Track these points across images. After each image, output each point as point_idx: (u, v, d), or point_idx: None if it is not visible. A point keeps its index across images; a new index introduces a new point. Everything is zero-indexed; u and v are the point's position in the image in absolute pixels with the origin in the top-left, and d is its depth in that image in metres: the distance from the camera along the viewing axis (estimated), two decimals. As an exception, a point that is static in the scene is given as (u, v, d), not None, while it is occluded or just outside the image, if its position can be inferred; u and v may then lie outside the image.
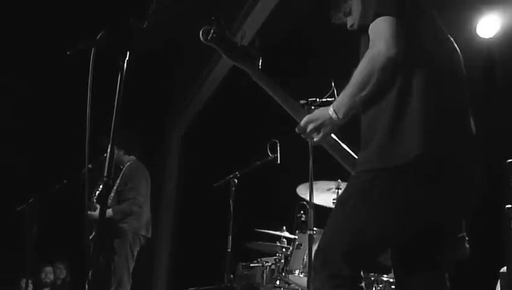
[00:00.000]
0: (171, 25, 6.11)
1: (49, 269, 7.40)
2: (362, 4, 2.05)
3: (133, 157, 5.41)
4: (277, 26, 5.94)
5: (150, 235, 5.29)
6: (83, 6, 6.55)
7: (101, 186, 5.12)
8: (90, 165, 2.13)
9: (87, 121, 2.00)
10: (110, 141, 1.93)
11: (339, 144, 2.24)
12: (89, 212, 4.71)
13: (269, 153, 4.57)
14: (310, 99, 3.75)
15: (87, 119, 1.99)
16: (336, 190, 4.32)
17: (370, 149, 1.96)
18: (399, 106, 1.92)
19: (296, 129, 2.18)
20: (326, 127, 2.09)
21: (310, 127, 2.12)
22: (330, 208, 4.36)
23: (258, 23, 5.92)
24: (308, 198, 3.84)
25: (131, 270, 5.04)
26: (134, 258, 5.10)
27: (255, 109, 6.79)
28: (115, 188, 5.21)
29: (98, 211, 4.76)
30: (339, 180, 4.29)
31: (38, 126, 8.07)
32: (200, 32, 2.15)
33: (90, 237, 4.68)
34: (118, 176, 5.26)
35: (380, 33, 1.91)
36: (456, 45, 2.16)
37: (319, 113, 2.10)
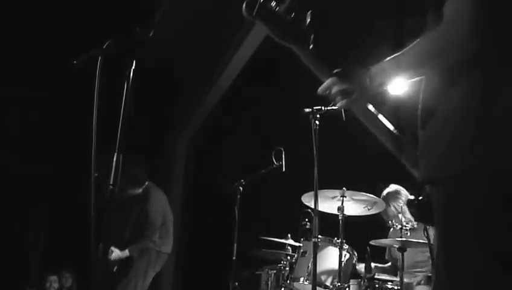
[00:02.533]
0: (177, 34, 6.14)
1: (54, 278, 7.40)
2: None
3: (150, 184, 5.32)
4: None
5: (170, 251, 5.29)
6: (90, 16, 6.59)
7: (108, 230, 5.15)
8: (96, 174, 2.15)
9: (93, 130, 2.02)
10: (117, 149, 1.95)
11: (372, 112, 1.89)
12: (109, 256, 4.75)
13: (274, 161, 4.58)
14: (315, 108, 3.77)
15: (93, 128, 2.01)
16: (341, 198, 4.32)
17: (450, 150, 1.59)
18: (486, 104, 1.53)
19: (320, 89, 1.86)
20: (354, 92, 1.79)
21: (335, 89, 1.82)
22: (335, 216, 4.36)
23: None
24: (313, 206, 3.85)
25: (141, 287, 5.01)
26: (149, 276, 5.09)
27: (261, 117, 6.81)
28: (134, 211, 5.17)
29: (114, 253, 4.82)
30: (344, 188, 4.29)
31: (45, 135, 8.11)
32: (244, 6, 1.79)
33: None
34: (133, 204, 5.21)
35: (462, 10, 1.55)
36: None
37: (349, 74, 1.81)
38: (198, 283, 7.70)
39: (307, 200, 4.38)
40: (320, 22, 1.91)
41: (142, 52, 2.00)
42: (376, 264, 4.58)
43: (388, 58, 1.73)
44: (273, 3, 1.80)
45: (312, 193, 3.83)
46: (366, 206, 4.43)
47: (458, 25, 1.56)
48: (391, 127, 1.89)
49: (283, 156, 4.56)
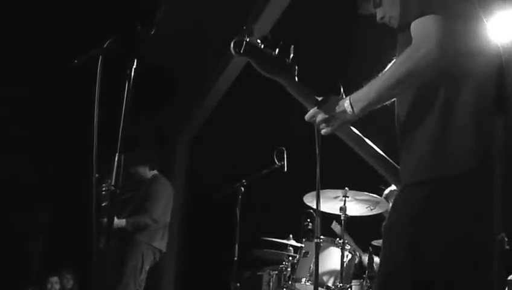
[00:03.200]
0: (178, 33, 6.13)
1: (55, 279, 7.39)
2: (402, 1, 1.88)
3: (156, 172, 5.39)
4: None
5: (164, 250, 5.27)
6: (90, 15, 6.58)
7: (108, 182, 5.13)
8: (97, 175, 2.13)
9: (94, 130, 2.00)
10: (118, 149, 1.93)
11: (357, 135, 2.05)
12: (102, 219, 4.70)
13: (276, 161, 4.57)
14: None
15: (94, 127, 1.99)
16: (343, 198, 4.31)
17: (416, 159, 1.82)
18: (445, 116, 1.77)
19: (306, 117, 2.01)
20: (336, 120, 1.93)
21: (319, 118, 1.96)
22: (337, 216, 4.35)
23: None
24: (315, 206, 3.84)
25: (139, 282, 5.01)
26: (145, 271, 5.06)
27: (262, 116, 6.80)
28: (135, 196, 5.17)
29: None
30: (346, 188, 4.28)
31: (46, 135, 8.10)
32: (232, 45, 1.92)
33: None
34: (140, 189, 5.22)
35: (429, 32, 1.72)
36: (498, 45, 1.99)
37: (332, 103, 1.93)
38: (199, 283, 7.69)
39: (309, 200, 4.37)
40: (303, 54, 2.04)
41: (143, 51, 1.99)
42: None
43: (369, 84, 1.86)
44: (259, 41, 1.94)
45: (314, 193, 3.82)
46: (368, 206, 4.42)
47: (425, 47, 1.72)
48: (375, 148, 2.05)
49: (285, 156, 4.55)
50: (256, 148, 6.22)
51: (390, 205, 4.50)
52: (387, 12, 2.11)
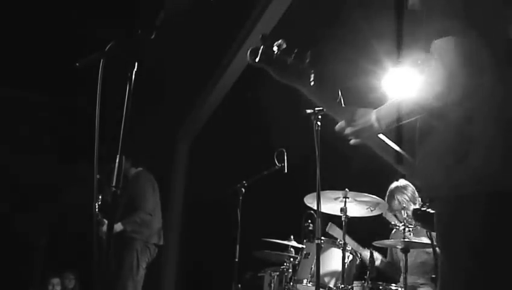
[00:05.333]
0: (180, 32, 6.14)
1: (56, 280, 7.40)
2: (428, 9, 1.88)
3: (140, 169, 5.42)
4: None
5: (162, 243, 5.29)
6: (92, 18, 6.60)
7: (100, 199, 5.16)
8: (98, 176, 2.15)
9: (95, 132, 2.01)
10: (119, 151, 1.94)
11: (385, 142, 2.10)
12: (101, 228, 4.72)
13: (276, 163, 4.58)
14: (316, 109, 3.77)
15: (95, 130, 2.01)
16: (344, 199, 4.32)
17: (439, 174, 1.84)
18: (467, 133, 1.79)
19: (335, 128, 2.09)
20: (365, 133, 2.03)
21: (348, 131, 2.05)
22: (337, 217, 4.36)
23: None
24: (315, 207, 3.85)
25: (137, 280, 5.02)
26: (142, 267, 5.08)
27: (263, 118, 6.81)
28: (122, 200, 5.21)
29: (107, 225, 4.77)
30: (346, 190, 4.29)
31: (46, 136, 8.12)
32: (248, 53, 1.97)
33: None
34: (124, 188, 5.26)
35: (449, 56, 1.77)
36: None
37: (360, 117, 2.02)
38: (200, 284, 7.70)
39: (310, 201, 4.37)
40: (320, 59, 2.10)
41: (144, 53, 2.00)
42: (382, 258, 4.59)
43: (393, 101, 1.95)
44: (275, 48, 1.97)
45: (314, 194, 3.82)
46: (368, 207, 4.43)
47: (449, 69, 1.76)
48: (396, 147, 2.10)
49: (285, 157, 4.56)
50: (256, 150, 6.24)
51: (396, 200, 4.50)
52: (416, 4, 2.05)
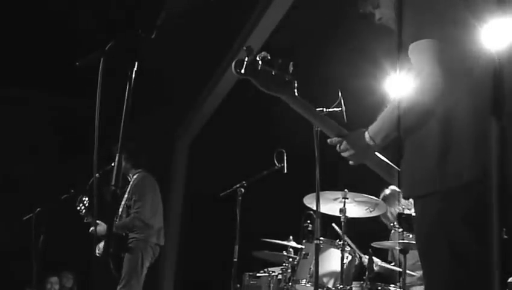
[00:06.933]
0: (180, 33, 6.14)
1: (54, 279, 7.40)
2: (404, 15, 2.01)
3: (140, 170, 5.41)
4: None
5: (162, 243, 5.29)
6: (92, 17, 6.59)
7: (85, 199, 5.17)
8: (98, 175, 2.14)
9: (95, 131, 2.01)
10: (118, 150, 1.94)
11: (380, 159, 2.21)
12: (92, 229, 4.73)
13: (276, 163, 4.58)
14: (316, 109, 3.76)
15: (95, 129, 2.01)
16: (343, 200, 4.32)
17: (420, 173, 1.96)
18: (445, 130, 1.91)
19: (328, 141, 2.20)
20: (363, 154, 2.11)
21: (346, 154, 2.13)
22: (336, 218, 4.36)
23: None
24: (314, 207, 3.84)
25: (140, 279, 5.03)
26: (145, 267, 5.09)
27: (262, 118, 6.81)
28: (123, 202, 5.21)
29: (100, 227, 4.79)
30: (346, 190, 4.29)
31: (45, 135, 8.12)
32: (233, 65, 2.03)
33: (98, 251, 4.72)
34: (125, 191, 5.26)
35: (427, 61, 1.88)
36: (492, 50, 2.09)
37: (354, 140, 2.10)
38: (199, 284, 7.70)
39: (309, 201, 4.37)
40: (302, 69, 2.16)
41: (144, 52, 2.00)
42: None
43: (382, 115, 2.02)
44: (259, 60, 2.02)
45: (314, 194, 3.82)
46: (368, 208, 4.43)
47: (428, 78, 1.87)
48: (389, 162, 2.20)
49: (284, 157, 4.55)
50: (256, 150, 6.24)
51: (388, 213, 4.52)
52: (384, 14, 2.23)
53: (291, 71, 2.08)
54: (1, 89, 7.56)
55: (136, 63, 1.98)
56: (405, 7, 2.01)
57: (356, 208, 4.43)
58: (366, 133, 2.05)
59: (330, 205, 4.37)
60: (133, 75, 1.99)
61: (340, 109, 3.66)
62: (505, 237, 2.03)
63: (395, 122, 1.97)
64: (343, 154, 2.14)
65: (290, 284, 4.35)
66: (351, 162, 2.16)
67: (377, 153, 2.17)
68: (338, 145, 2.15)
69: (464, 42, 1.97)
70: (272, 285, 4.73)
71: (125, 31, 2.00)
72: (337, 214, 4.33)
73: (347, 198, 4.31)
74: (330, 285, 4.16)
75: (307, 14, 5.84)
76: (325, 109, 3.76)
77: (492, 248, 1.87)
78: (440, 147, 1.90)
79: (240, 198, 4.80)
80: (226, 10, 5.50)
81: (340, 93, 3.59)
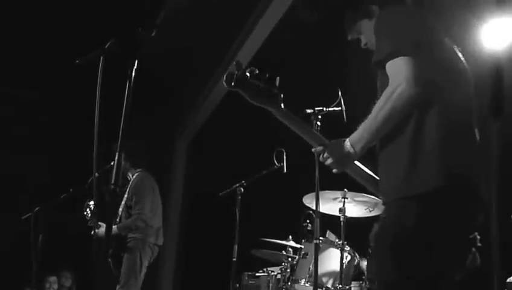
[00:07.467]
0: (182, 30, 6.15)
1: (53, 278, 7.39)
2: (376, 38, 2.18)
3: (139, 170, 5.40)
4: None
5: (161, 243, 5.29)
6: (92, 16, 6.59)
7: (91, 203, 5.17)
8: (97, 174, 2.14)
9: (95, 130, 2.01)
10: (118, 149, 1.94)
11: (362, 169, 2.32)
12: (96, 231, 4.72)
13: (275, 162, 4.57)
14: (316, 109, 3.76)
15: (95, 127, 2.00)
16: (342, 199, 4.32)
17: (393, 180, 2.09)
18: (417, 138, 2.03)
19: (312, 150, 2.31)
20: (343, 161, 2.20)
21: (328, 162, 2.23)
22: (336, 217, 4.36)
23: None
24: (314, 207, 3.84)
25: (139, 279, 5.03)
26: (144, 267, 5.09)
27: (262, 118, 6.80)
28: (123, 202, 5.21)
29: (102, 228, 4.78)
30: (345, 190, 4.29)
31: (44, 135, 8.11)
32: (224, 78, 2.15)
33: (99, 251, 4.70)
34: (125, 191, 5.25)
35: (401, 73, 2.01)
36: (465, 64, 2.27)
37: (335, 148, 2.20)
38: (198, 284, 7.69)
39: (308, 201, 4.37)
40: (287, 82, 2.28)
41: (143, 52, 2.00)
42: None
43: (363, 125, 2.12)
44: (248, 74, 2.15)
45: (313, 194, 3.82)
46: (367, 208, 4.43)
47: (400, 87, 2.00)
48: (369, 172, 2.33)
49: (284, 157, 4.55)
50: (255, 149, 6.23)
51: None
52: (368, 40, 2.43)
53: (277, 84, 2.20)
54: (1, 87, 7.56)
55: (136, 62, 1.98)
56: (381, 29, 2.18)
57: (355, 207, 4.43)
58: (347, 141, 2.16)
59: (330, 204, 4.38)
60: (133, 74, 1.99)
61: (340, 108, 3.66)
62: (479, 245, 2.18)
63: (374, 132, 2.09)
64: (325, 162, 2.24)
65: (289, 283, 4.35)
66: (334, 171, 2.25)
67: (358, 164, 2.28)
68: (321, 154, 2.25)
69: (437, 58, 2.12)
70: (271, 285, 4.73)
71: (125, 29, 1.99)
72: (337, 213, 4.33)
73: (346, 197, 4.32)
74: (329, 285, 4.16)
75: (306, 12, 5.84)
76: (325, 109, 3.76)
77: (442, 256, 2.02)
78: (411, 155, 2.02)
79: (240, 197, 4.80)
80: (227, 9, 5.50)
81: (340, 93, 3.59)
